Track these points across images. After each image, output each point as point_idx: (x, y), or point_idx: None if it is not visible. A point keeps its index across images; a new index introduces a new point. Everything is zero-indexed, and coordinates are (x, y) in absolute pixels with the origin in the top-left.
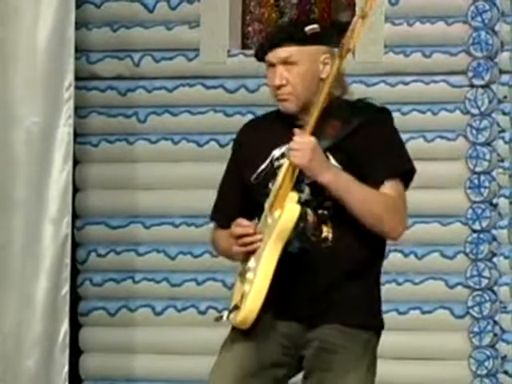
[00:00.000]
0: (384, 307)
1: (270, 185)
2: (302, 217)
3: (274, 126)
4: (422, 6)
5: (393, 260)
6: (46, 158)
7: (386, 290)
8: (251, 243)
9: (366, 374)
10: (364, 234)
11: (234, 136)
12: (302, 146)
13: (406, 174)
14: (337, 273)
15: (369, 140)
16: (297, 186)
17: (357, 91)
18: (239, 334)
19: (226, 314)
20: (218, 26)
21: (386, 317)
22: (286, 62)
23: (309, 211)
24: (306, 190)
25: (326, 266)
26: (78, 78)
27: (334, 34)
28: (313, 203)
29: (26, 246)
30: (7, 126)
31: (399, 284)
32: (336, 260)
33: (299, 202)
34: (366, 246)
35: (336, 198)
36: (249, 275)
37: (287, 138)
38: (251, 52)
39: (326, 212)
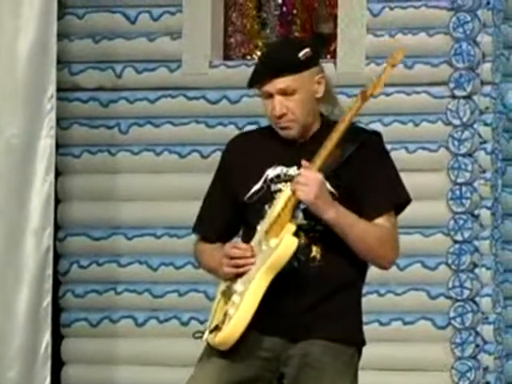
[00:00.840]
0: (366, 318)
1: (267, 207)
2: (298, 249)
3: (268, 144)
4: (403, 17)
5: (375, 271)
6: (27, 170)
7: (368, 300)
8: (244, 265)
9: None
10: (350, 255)
11: (216, 147)
12: (310, 182)
13: (401, 205)
14: (322, 290)
15: (365, 168)
16: (292, 211)
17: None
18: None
19: (206, 333)
20: (200, 37)
21: (367, 328)
22: (284, 92)
23: (301, 233)
24: (300, 214)
25: (312, 283)
26: (59, 89)
27: (321, 50)
28: (305, 226)
29: (7, 257)
30: None
31: (381, 295)
32: (322, 278)
33: (296, 232)
34: (351, 267)
35: (335, 231)
36: (235, 298)
37: (281, 156)
38: (233, 63)
39: (317, 234)
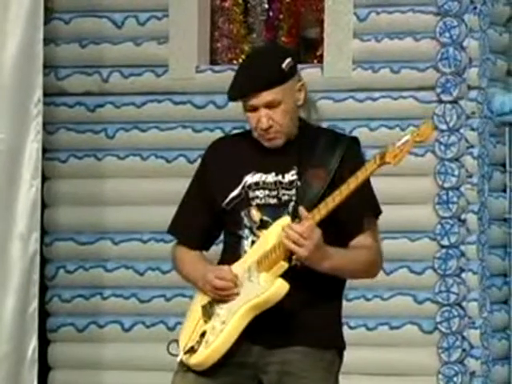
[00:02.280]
0: (352, 323)
1: (243, 214)
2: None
3: (247, 149)
4: (390, 22)
5: None
6: (14, 174)
7: (355, 305)
8: (227, 295)
9: None
10: None
11: (202, 152)
12: (309, 236)
13: (378, 214)
14: (301, 297)
15: (346, 179)
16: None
17: (325, 107)
18: None
19: (181, 354)
20: (186, 41)
21: (354, 332)
22: (270, 105)
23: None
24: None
25: (291, 291)
26: (46, 94)
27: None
28: None
29: None
30: None
31: (368, 300)
32: (301, 286)
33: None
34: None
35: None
36: (216, 324)
37: (260, 163)
38: (220, 68)
39: None
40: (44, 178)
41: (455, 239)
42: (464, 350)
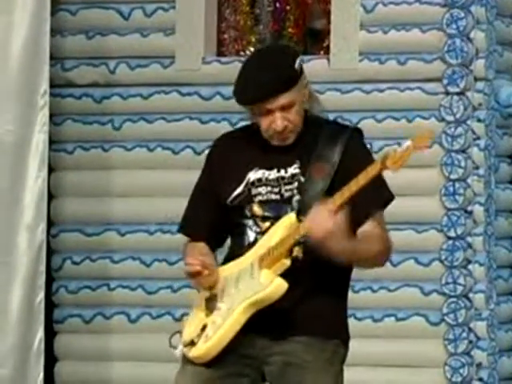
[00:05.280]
0: (359, 314)
1: (246, 210)
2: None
3: (250, 146)
4: (397, 13)
5: None
6: (20, 166)
7: (361, 297)
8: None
9: None
10: None
11: (209, 143)
12: (336, 228)
13: (386, 203)
14: (304, 289)
15: (351, 172)
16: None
17: (331, 98)
18: None
19: (179, 347)
20: (193, 33)
21: (360, 324)
22: (285, 107)
23: None
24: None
25: (294, 281)
26: (53, 86)
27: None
28: None
29: (0, 253)
30: None
31: (374, 291)
32: (304, 277)
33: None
34: (333, 264)
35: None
36: (216, 318)
37: (263, 159)
38: (226, 59)
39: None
40: (50, 170)
41: (462, 231)
42: (470, 342)
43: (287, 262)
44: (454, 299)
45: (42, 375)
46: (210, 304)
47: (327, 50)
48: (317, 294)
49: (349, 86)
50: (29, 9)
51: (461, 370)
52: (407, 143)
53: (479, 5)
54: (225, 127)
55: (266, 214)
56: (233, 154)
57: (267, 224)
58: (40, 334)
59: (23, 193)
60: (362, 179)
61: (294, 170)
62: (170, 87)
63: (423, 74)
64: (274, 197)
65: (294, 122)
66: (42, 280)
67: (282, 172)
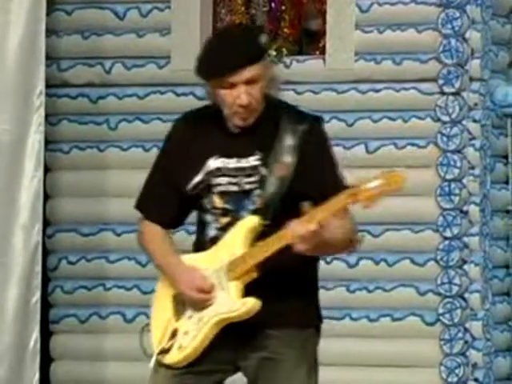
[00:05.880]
0: (355, 314)
1: (206, 201)
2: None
3: (211, 130)
4: (392, 13)
5: (363, 267)
6: (16, 166)
7: (357, 297)
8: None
9: (308, 375)
10: None
11: None
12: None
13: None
14: (271, 281)
15: (311, 163)
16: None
17: (327, 98)
18: None
19: (154, 358)
20: (188, 33)
21: (356, 324)
22: (250, 81)
23: None
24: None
25: (262, 276)
26: (48, 86)
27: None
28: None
29: None
30: None
31: (370, 291)
32: (270, 270)
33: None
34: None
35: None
36: (189, 328)
37: (223, 146)
38: None
39: (266, 228)
40: (46, 170)
41: (457, 231)
42: (466, 342)
43: (255, 275)
44: (450, 299)
45: (37, 375)
46: (178, 307)
47: (323, 50)
48: (287, 289)
49: (344, 86)
50: (24, 9)
51: (456, 370)
52: (377, 181)
53: (474, 5)
54: None
55: (226, 205)
56: (193, 138)
57: (227, 219)
58: (36, 334)
59: (19, 193)
60: (331, 208)
61: (254, 161)
62: (166, 87)
63: (419, 74)
64: (233, 188)
65: (257, 99)
66: (37, 280)
67: (243, 162)
